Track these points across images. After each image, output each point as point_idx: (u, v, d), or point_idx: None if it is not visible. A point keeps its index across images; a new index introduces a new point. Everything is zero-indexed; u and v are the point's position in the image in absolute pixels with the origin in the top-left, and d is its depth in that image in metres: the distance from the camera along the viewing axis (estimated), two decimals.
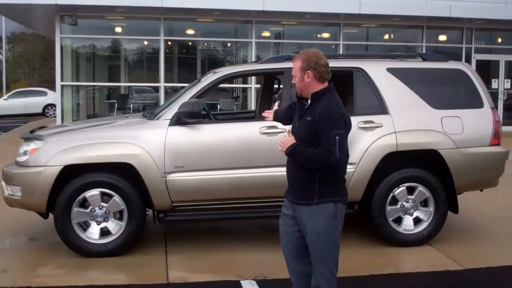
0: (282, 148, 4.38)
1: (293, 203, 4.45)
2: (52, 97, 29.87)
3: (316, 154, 4.17)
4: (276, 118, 5.16)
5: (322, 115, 4.18)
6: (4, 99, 33.66)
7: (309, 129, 4.24)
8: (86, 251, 6.56)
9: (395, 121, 6.86)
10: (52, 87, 29.75)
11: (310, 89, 4.33)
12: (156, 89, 20.17)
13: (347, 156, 4.33)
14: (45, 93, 33.30)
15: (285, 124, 5.08)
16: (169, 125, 6.60)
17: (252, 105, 19.26)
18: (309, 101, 4.38)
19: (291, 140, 4.33)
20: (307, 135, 4.25)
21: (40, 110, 32.22)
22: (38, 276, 6.08)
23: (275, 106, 5.29)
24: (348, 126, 4.36)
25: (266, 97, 8.82)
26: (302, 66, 4.32)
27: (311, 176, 4.29)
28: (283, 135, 4.63)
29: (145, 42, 21.23)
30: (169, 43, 20.45)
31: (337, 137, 4.14)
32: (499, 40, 22.45)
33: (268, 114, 5.24)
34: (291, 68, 6.55)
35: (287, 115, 4.93)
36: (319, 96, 4.31)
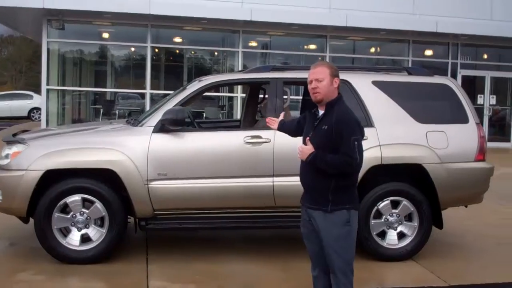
0: (301, 156, 4.56)
1: (308, 209, 4.64)
2: (38, 100, 29.66)
3: (338, 160, 4.40)
4: (281, 128, 5.39)
5: (339, 122, 4.44)
6: None
7: (326, 137, 4.46)
8: (66, 258, 6.49)
9: (380, 134, 6.84)
10: (38, 90, 29.55)
11: (331, 96, 4.58)
12: (142, 96, 20.11)
13: (361, 163, 4.54)
14: (31, 97, 33.13)
15: (291, 136, 5.36)
16: (153, 132, 6.55)
17: (238, 114, 19.25)
18: (320, 111, 4.62)
19: (310, 148, 4.50)
20: (324, 143, 4.46)
21: (25, 114, 32.03)
22: (17, 282, 6.00)
23: (281, 116, 5.50)
24: (362, 131, 4.60)
25: (251, 107, 8.81)
26: (332, 72, 4.60)
27: (325, 184, 4.50)
28: (298, 144, 4.74)
29: (132, 49, 21.17)
30: (156, 50, 20.41)
31: (356, 143, 4.41)
32: (485, 56, 22.62)
33: (273, 122, 5.44)
34: (276, 78, 6.58)
35: (296, 129, 5.19)
36: (332, 105, 4.56)
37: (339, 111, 4.53)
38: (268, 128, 6.09)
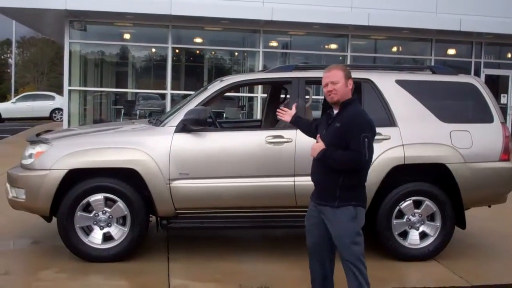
0: (312, 153, 4.76)
1: (318, 205, 4.83)
2: (60, 101, 29.95)
3: (347, 156, 4.59)
4: (295, 122, 5.50)
5: (350, 120, 4.65)
6: (12, 102, 33.84)
7: (338, 134, 4.66)
8: (88, 256, 6.52)
9: (403, 133, 6.80)
10: (60, 91, 29.83)
11: (346, 96, 4.80)
12: (163, 96, 20.17)
13: (370, 161, 4.73)
14: (52, 98, 33.40)
15: (306, 134, 5.49)
16: (175, 132, 6.56)
17: (257, 114, 19.23)
18: (335, 111, 4.83)
19: (320, 145, 4.72)
20: (336, 140, 4.65)
21: (47, 114, 32.30)
22: (39, 280, 6.04)
23: (294, 109, 5.59)
24: (373, 131, 4.77)
25: (272, 107, 8.78)
26: (346, 74, 4.83)
27: (334, 182, 4.68)
28: (309, 144, 4.95)
29: (153, 49, 21.25)
30: (177, 51, 20.46)
31: (366, 140, 4.59)
32: (509, 55, 22.40)
33: (284, 113, 5.55)
34: (298, 77, 6.56)
35: (310, 128, 5.36)
36: (347, 104, 4.78)
37: (352, 111, 4.76)
38: (290, 128, 6.09)
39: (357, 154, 4.56)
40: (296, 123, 5.54)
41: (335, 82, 4.76)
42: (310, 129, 5.39)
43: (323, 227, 4.84)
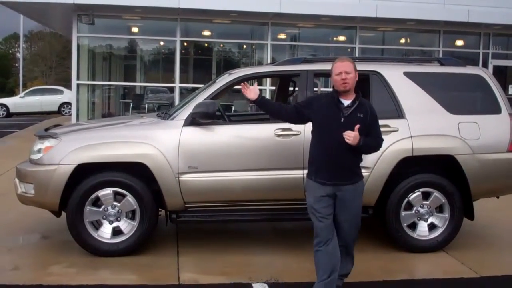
0: (353, 142, 5.09)
1: (337, 186, 5.24)
2: (68, 95, 29.94)
3: (375, 142, 5.38)
4: (260, 101, 5.62)
5: (372, 111, 5.33)
6: (20, 97, 33.86)
7: (363, 123, 5.19)
8: (98, 250, 6.56)
9: (411, 125, 6.80)
10: (68, 85, 29.84)
11: (353, 87, 5.29)
12: (171, 90, 20.15)
13: None
14: (61, 92, 33.44)
15: (272, 114, 5.91)
16: (184, 125, 6.57)
17: None
18: (345, 101, 5.27)
19: (357, 134, 5.09)
20: (362, 129, 5.15)
21: (55, 108, 32.38)
22: (49, 275, 6.07)
23: (256, 87, 5.74)
24: None
25: (281, 99, 8.79)
26: (355, 67, 5.29)
27: (356, 162, 5.36)
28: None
29: (161, 43, 21.23)
30: (185, 44, 20.44)
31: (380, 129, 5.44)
32: None
33: (247, 88, 5.67)
34: (307, 70, 6.58)
35: (296, 115, 5.57)
36: (360, 96, 5.33)
37: (368, 102, 5.45)
38: None
39: (381, 141, 5.43)
40: (262, 103, 5.65)
41: (349, 72, 5.20)
42: (281, 112, 5.69)
43: (331, 211, 5.28)
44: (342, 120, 5.19)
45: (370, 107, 5.35)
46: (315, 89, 7.37)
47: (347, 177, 5.26)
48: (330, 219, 5.26)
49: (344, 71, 5.18)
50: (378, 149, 5.52)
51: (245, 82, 5.81)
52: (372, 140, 5.29)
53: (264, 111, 5.95)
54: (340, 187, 5.23)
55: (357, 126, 5.10)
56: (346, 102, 5.26)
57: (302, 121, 5.65)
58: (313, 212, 5.29)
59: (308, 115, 5.44)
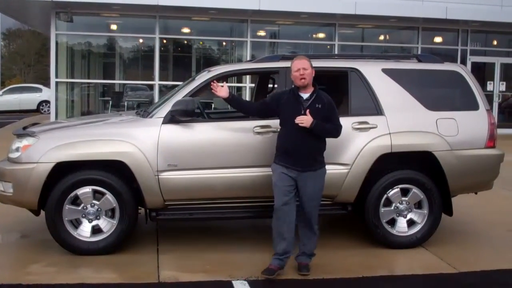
0: (306, 123, 5.70)
1: (298, 171, 5.84)
2: (47, 93, 29.77)
3: (332, 127, 5.93)
4: (232, 99, 6.31)
5: (329, 101, 5.94)
6: None
7: (322, 112, 5.83)
8: (77, 249, 6.52)
9: (390, 122, 6.83)
10: (47, 83, 29.62)
11: (311, 82, 5.90)
12: (151, 87, 20.13)
13: None
14: (39, 90, 33.23)
15: (242, 110, 6.57)
16: (163, 123, 6.55)
17: None
18: (304, 94, 5.91)
19: (310, 117, 5.72)
20: (319, 117, 5.78)
21: (34, 107, 32.16)
22: (29, 274, 6.03)
23: (226, 85, 6.26)
24: None
25: (260, 97, 8.77)
26: (311, 64, 5.92)
27: (318, 149, 5.94)
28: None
29: (140, 40, 21.19)
30: (164, 41, 20.41)
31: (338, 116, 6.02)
32: (495, 42, 22.49)
33: (217, 86, 6.22)
34: (285, 67, 6.64)
35: (264, 109, 6.26)
36: (318, 90, 5.95)
37: (325, 94, 6.01)
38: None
39: (339, 126, 5.98)
40: (232, 101, 6.33)
41: (306, 68, 5.84)
42: (250, 108, 6.50)
43: (293, 190, 5.89)
44: (303, 112, 5.80)
45: (327, 98, 5.95)
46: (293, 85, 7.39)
47: (308, 164, 5.85)
48: (290, 196, 5.87)
49: (302, 68, 5.83)
50: (338, 135, 6.02)
51: (215, 81, 6.32)
52: (330, 125, 5.88)
53: (235, 107, 6.54)
54: (301, 173, 5.83)
55: (307, 110, 5.78)
56: (305, 95, 5.92)
57: (268, 115, 6.30)
58: (276, 190, 5.91)
59: (274, 109, 6.07)
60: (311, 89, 5.94)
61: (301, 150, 5.83)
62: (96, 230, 6.57)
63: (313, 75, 5.93)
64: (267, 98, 6.62)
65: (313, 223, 6.04)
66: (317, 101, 5.90)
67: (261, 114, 6.40)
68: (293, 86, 6.06)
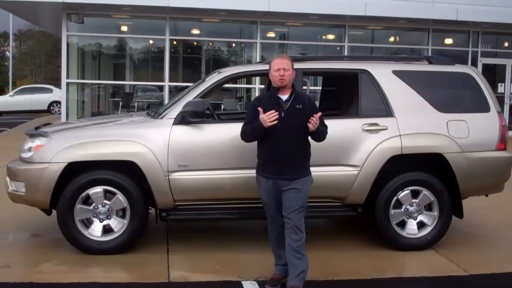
0: (315, 127, 5.33)
1: (286, 180, 5.43)
2: (58, 94, 29.91)
3: (325, 130, 5.60)
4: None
5: (310, 101, 5.59)
6: (10, 96, 33.80)
7: (304, 113, 5.39)
8: (88, 248, 6.56)
9: (400, 124, 6.82)
10: (57, 84, 29.76)
11: (291, 83, 5.54)
12: (161, 88, 20.15)
13: None
14: (50, 90, 33.35)
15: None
16: (173, 124, 6.58)
17: None
18: (283, 96, 5.51)
19: (318, 120, 5.33)
20: (304, 118, 5.35)
21: (45, 107, 32.29)
22: (40, 272, 6.07)
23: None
24: None
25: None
26: (293, 65, 5.57)
27: (304, 155, 5.56)
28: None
29: (151, 41, 21.23)
30: (175, 42, 20.44)
31: None
32: (506, 44, 22.36)
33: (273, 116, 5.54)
34: (296, 69, 6.68)
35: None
36: (296, 90, 5.62)
37: (304, 94, 5.88)
38: None
39: (325, 127, 5.61)
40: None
41: (287, 69, 5.46)
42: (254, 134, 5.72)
43: (280, 200, 5.51)
44: (283, 114, 5.41)
45: (307, 97, 5.65)
46: (304, 87, 7.40)
47: (292, 172, 5.45)
48: (278, 214, 5.59)
49: (282, 68, 5.46)
50: (326, 136, 5.63)
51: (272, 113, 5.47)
52: (321, 127, 5.49)
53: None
54: (286, 182, 5.44)
55: (319, 113, 5.37)
56: (284, 97, 5.52)
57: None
58: (265, 206, 5.71)
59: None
60: (289, 90, 5.51)
61: (285, 157, 5.42)
62: (107, 230, 6.60)
63: (293, 76, 5.57)
64: (248, 116, 5.80)
65: (298, 224, 5.44)
66: (297, 101, 5.49)
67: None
68: (271, 87, 5.62)
